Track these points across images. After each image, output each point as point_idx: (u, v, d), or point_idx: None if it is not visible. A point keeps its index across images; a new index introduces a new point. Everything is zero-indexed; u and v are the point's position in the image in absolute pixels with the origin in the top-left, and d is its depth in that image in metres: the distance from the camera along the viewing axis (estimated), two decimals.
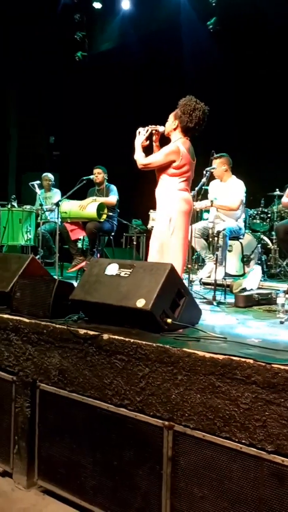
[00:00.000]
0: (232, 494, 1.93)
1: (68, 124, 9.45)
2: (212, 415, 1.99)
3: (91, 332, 2.43)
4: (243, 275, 4.87)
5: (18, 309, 2.93)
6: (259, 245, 5.86)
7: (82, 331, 2.47)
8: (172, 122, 3.61)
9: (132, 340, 2.26)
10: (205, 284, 4.59)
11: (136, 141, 3.64)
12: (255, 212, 6.08)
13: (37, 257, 4.10)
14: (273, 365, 1.85)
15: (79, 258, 5.42)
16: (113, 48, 8.89)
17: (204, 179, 4.14)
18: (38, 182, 6.26)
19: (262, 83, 7.06)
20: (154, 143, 3.73)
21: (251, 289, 3.94)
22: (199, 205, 4.51)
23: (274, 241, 5.99)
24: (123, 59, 8.38)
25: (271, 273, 5.85)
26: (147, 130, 3.65)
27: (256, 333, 2.63)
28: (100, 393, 2.38)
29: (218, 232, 4.21)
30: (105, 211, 5.32)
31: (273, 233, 5.97)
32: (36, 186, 6.15)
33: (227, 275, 4.54)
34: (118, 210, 5.74)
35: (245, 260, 5.55)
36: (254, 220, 6.07)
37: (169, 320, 2.42)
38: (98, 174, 5.66)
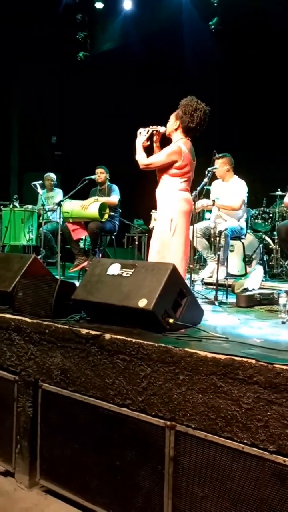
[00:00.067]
0: (233, 494, 1.93)
1: (70, 124, 9.46)
2: (214, 415, 1.99)
3: (93, 332, 2.44)
4: (245, 275, 4.86)
5: (20, 309, 2.93)
6: (261, 245, 5.86)
7: (84, 331, 2.48)
8: (173, 122, 3.61)
9: (134, 340, 2.27)
10: (207, 284, 4.59)
11: (137, 142, 3.64)
12: (257, 212, 6.08)
13: (39, 257, 4.11)
14: (275, 365, 1.85)
15: (81, 258, 5.42)
16: (114, 48, 8.90)
17: (206, 179, 4.14)
18: (40, 182, 6.27)
19: (264, 83, 7.05)
20: (154, 144, 3.73)
21: (253, 289, 3.94)
22: (201, 203, 4.51)
23: (276, 241, 5.99)
24: (124, 59, 8.38)
25: (273, 273, 5.85)
26: (148, 131, 3.65)
27: (258, 333, 2.63)
28: (102, 393, 2.39)
29: (220, 232, 4.21)
30: (107, 211, 5.33)
31: (275, 233, 5.97)
32: (38, 186, 6.17)
33: (228, 275, 4.54)
34: (120, 210, 5.74)
35: (247, 260, 5.55)
36: (256, 220, 6.07)
37: (171, 320, 2.42)
38: (101, 174, 5.67)
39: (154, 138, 3.72)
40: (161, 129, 3.66)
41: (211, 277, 4.57)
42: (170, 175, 3.53)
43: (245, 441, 1.90)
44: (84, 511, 2.46)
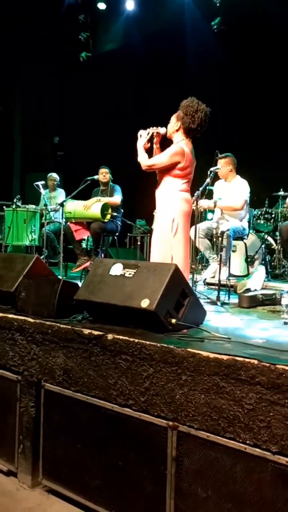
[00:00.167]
0: (236, 495, 1.93)
1: (72, 125, 9.47)
2: (216, 415, 1.99)
3: (96, 332, 2.44)
4: (247, 275, 4.86)
5: (23, 309, 2.94)
6: (263, 246, 5.85)
7: (86, 331, 2.48)
8: (174, 123, 3.62)
9: (136, 340, 2.27)
10: (209, 284, 4.58)
11: (138, 144, 3.66)
12: (259, 212, 6.07)
13: (41, 257, 4.11)
14: (277, 366, 1.84)
15: (84, 258, 5.43)
16: (117, 49, 8.90)
17: (208, 179, 4.14)
18: (42, 182, 6.28)
19: (266, 83, 7.05)
20: (154, 145, 3.74)
21: (255, 290, 3.94)
22: (203, 204, 4.50)
23: (278, 241, 5.98)
24: (127, 60, 8.38)
25: (275, 274, 5.84)
26: (148, 133, 3.66)
27: (260, 334, 2.63)
28: (104, 393, 2.39)
29: (222, 233, 4.21)
30: (109, 211, 5.33)
31: (277, 233, 5.96)
32: (40, 186, 6.17)
33: (231, 275, 4.53)
34: (122, 210, 5.75)
35: (249, 261, 5.54)
36: (258, 221, 6.06)
37: (173, 320, 2.43)
38: (106, 174, 5.68)
39: (155, 140, 3.72)
40: (162, 130, 3.67)
41: (213, 277, 4.56)
42: (172, 176, 3.53)
43: (247, 441, 1.90)
44: (86, 511, 2.46)
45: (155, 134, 3.68)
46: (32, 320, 2.77)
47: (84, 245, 5.67)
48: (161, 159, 3.54)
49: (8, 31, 8.63)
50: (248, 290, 3.88)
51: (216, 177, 4.68)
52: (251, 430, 1.89)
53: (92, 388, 2.44)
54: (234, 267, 5.35)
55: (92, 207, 5.23)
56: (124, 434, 2.30)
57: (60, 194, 6.64)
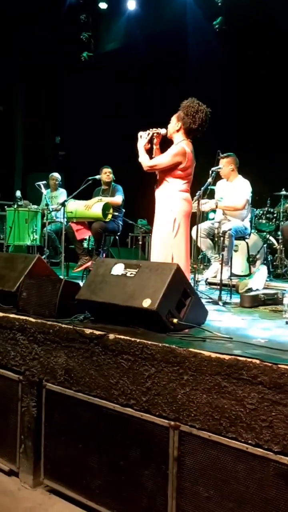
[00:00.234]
0: (238, 495, 1.92)
1: (73, 124, 9.47)
2: (218, 415, 1.99)
3: (97, 332, 2.44)
4: (249, 275, 4.86)
5: (25, 309, 2.94)
6: (265, 245, 5.84)
7: (88, 331, 2.48)
8: (175, 123, 3.64)
9: (138, 340, 2.27)
10: (211, 284, 4.58)
11: (139, 145, 3.67)
12: (261, 212, 6.07)
13: (43, 257, 4.11)
14: (279, 366, 1.84)
15: (85, 258, 5.43)
16: (118, 48, 8.91)
17: (210, 179, 4.14)
18: (44, 182, 6.29)
19: (268, 82, 7.04)
20: (154, 146, 3.75)
21: (257, 289, 3.93)
22: (205, 207, 4.50)
23: (280, 241, 5.97)
24: (128, 59, 8.39)
25: (277, 273, 5.84)
26: (148, 134, 3.67)
27: (262, 334, 2.62)
28: (106, 392, 2.39)
29: (224, 232, 4.20)
30: (111, 211, 5.33)
31: (279, 233, 5.95)
32: (42, 186, 6.18)
33: (233, 275, 4.53)
34: (124, 210, 5.75)
35: (251, 260, 5.54)
36: (260, 220, 6.06)
37: (175, 320, 2.42)
38: (110, 174, 5.68)
39: (155, 141, 3.74)
40: (162, 131, 3.68)
41: (215, 277, 4.56)
42: (173, 176, 3.55)
43: (249, 441, 1.90)
44: (88, 511, 2.46)
45: (155, 135, 3.68)
46: (33, 320, 2.77)
47: (85, 245, 5.66)
48: (163, 159, 3.55)
49: (9, 31, 8.63)
50: (250, 289, 3.88)
51: (218, 177, 4.67)
52: (253, 430, 1.89)
53: (94, 388, 2.44)
54: (236, 267, 5.34)
55: (94, 207, 5.23)
56: (125, 434, 2.30)
57: (62, 194, 6.64)
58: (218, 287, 3.90)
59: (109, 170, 5.71)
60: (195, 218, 4.11)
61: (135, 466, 2.26)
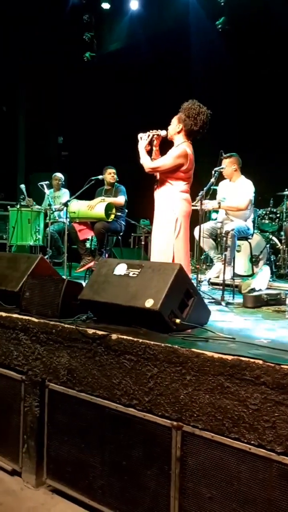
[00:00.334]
0: (241, 495, 1.92)
1: (76, 125, 9.48)
2: (221, 415, 1.98)
3: (100, 332, 2.44)
4: (251, 275, 4.85)
5: (27, 309, 2.94)
6: (268, 245, 5.83)
7: (90, 331, 2.48)
8: (176, 125, 3.66)
9: (140, 340, 2.27)
10: (213, 284, 4.58)
11: (139, 146, 3.70)
12: (264, 212, 6.06)
13: (45, 257, 4.12)
14: (282, 366, 1.84)
15: (88, 258, 5.43)
16: (121, 49, 8.91)
17: (212, 179, 4.14)
18: (47, 182, 6.30)
19: (271, 82, 7.03)
20: (154, 147, 3.77)
21: (260, 290, 3.92)
22: (207, 206, 4.50)
23: (283, 241, 5.96)
24: (131, 60, 8.39)
25: (280, 274, 5.82)
26: (149, 135, 3.68)
27: (265, 334, 2.62)
28: (108, 393, 2.39)
29: (227, 232, 4.20)
30: (113, 211, 5.33)
31: (282, 233, 5.94)
32: (45, 186, 6.19)
33: (235, 275, 4.52)
34: (126, 210, 5.75)
35: (254, 261, 5.53)
36: (263, 220, 6.05)
37: (177, 320, 2.42)
38: (114, 175, 5.68)
39: (154, 142, 3.76)
40: (162, 133, 3.70)
41: (217, 277, 4.55)
42: (175, 178, 3.58)
43: (252, 442, 1.89)
44: (90, 511, 2.46)
45: (155, 136, 3.70)
46: (36, 320, 2.78)
47: (88, 245, 5.67)
48: (165, 161, 3.57)
49: (10, 31, 8.64)
50: (253, 290, 3.87)
51: (220, 177, 4.67)
52: (255, 430, 1.89)
53: (96, 388, 2.44)
54: (238, 267, 5.34)
55: (96, 207, 5.23)
56: (128, 434, 2.30)
57: (65, 194, 6.65)
58: (221, 287, 3.90)
59: (113, 170, 5.71)
60: (198, 218, 4.12)
61: (138, 466, 2.26)
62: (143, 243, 7.01)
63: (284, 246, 5.94)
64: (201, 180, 4.08)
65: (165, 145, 3.76)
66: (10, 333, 2.92)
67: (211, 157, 4.62)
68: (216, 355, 2.01)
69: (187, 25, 7.74)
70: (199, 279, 4.17)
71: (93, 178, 5.33)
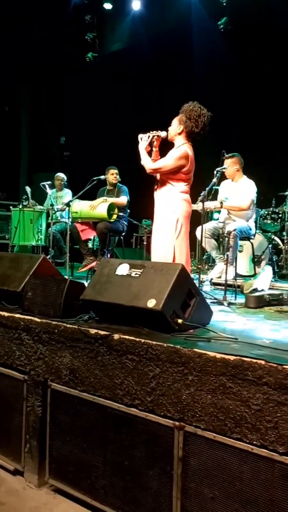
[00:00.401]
0: (243, 496, 1.92)
1: (78, 125, 9.48)
2: (223, 416, 1.98)
3: (102, 332, 2.44)
4: (254, 275, 4.84)
5: (30, 309, 2.95)
6: (270, 246, 5.82)
7: (93, 331, 2.48)
8: (177, 126, 3.69)
9: (143, 340, 2.27)
10: (215, 284, 4.57)
11: (140, 147, 3.72)
12: (266, 212, 6.05)
13: (47, 257, 4.12)
14: (284, 366, 1.84)
15: (90, 258, 5.43)
16: (123, 49, 8.91)
17: (214, 179, 4.14)
18: (49, 182, 6.31)
19: (274, 82, 7.02)
20: (154, 148, 3.79)
21: (262, 290, 3.92)
22: (209, 205, 4.50)
23: (285, 241, 5.96)
24: (133, 60, 8.39)
25: (282, 274, 5.82)
26: (149, 136, 3.70)
27: (267, 334, 2.62)
28: (111, 393, 2.39)
29: (229, 232, 4.20)
30: (116, 211, 5.33)
31: (284, 233, 5.94)
32: (47, 186, 6.20)
33: (237, 275, 4.52)
34: (129, 211, 5.75)
35: (256, 261, 5.52)
36: (265, 220, 6.04)
37: (179, 321, 2.42)
38: (116, 175, 5.69)
39: (154, 143, 3.78)
40: (162, 134, 3.72)
41: (219, 277, 4.55)
42: (176, 179, 3.62)
43: (254, 442, 1.89)
44: (93, 510, 2.47)
45: (155, 137, 3.71)
46: (38, 320, 2.78)
47: (90, 245, 5.67)
48: (166, 162, 3.59)
49: (12, 31, 8.65)
50: (255, 290, 3.87)
51: (222, 177, 4.67)
52: (258, 430, 1.89)
53: (99, 388, 2.44)
54: (240, 267, 5.33)
55: (99, 207, 5.23)
56: (130, 434, 2.30)
57: (67, 194, 6.66)
58: (223, 287, 3.90)
59: (116, 171, 5.71)
60: (199, 218, 4.12)
61: (140, 467, 2.26)
62: (145, 243, 7.02)
63: (286, 246, 5.93)
64: (201, 180, 4.08)
65: (166, 146, 3.77)
66: (12, 333, 2.92)
67: (213, 157, 4.63)
68: (218, 355, 2.01)
69: (189, 25, 7.74)
70: (201, 279, 4.17)
71: (95, 178, 5.34)
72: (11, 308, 3.09)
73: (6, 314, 2.98)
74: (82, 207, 5.31)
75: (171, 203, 3.61)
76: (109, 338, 2.40)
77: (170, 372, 2.16)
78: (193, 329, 2.49)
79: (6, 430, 2.96)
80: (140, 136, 3.74)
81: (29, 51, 9.02)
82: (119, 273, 2.69)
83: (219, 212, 5.19)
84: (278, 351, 2.11)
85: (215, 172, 4.20)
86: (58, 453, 2.66)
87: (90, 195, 5.54)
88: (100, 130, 8.97)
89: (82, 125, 9.32)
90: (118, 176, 5.71)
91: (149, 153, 3.75)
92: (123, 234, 5.75)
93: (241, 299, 3.88)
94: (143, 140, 3.71)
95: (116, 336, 2.37)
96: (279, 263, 6.00)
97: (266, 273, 4.20)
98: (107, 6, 8.27)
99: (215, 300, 3.81)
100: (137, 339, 2.29)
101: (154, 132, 3.72)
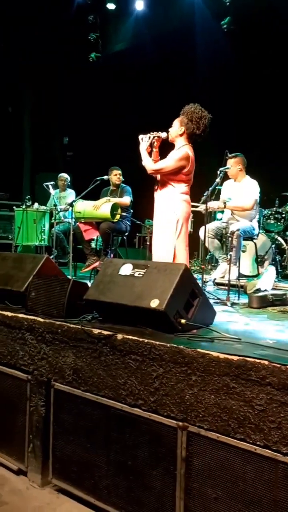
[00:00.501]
0: (246, 496, 1.92)
1: (81, 125, 9.49)
2: (227, 416, 1.98)
3: (105, 332, 2.44)
4: (257, 275, 4.83)
5: (33, 309, 2.95)
6: (273, 246, 5.81)
7: (96, 331, 2.48)
8: (178, 128, 3.71)
9: (146, 341, 2.27)
10: (218, 284, 4.57)
11: (141, 148, 3.75)
12: (269, 212, 6.03)
13: (51, 257, 4.13)
14: None
15: (93, 258, 5.44)
16: (126, 49, 8.90)
17: (218, 179, 4.14)
18: (52, 182, 6.32)
19: (276, 82, 7.01)
20: (154, 149, 3.81)
21: (265, 290, 3.92)
22: (212, 205, 4.50)
23: None
24: (137, 60, 8.39)
25: (286, 274, 5.80)
26: (150, 137, 3.71)
27: (271, 334, 2.61)
28: (114, 393, 2.39)
29: (232, 232, 4.19)
30: (119, 211, 5.33)
31: None
32: (50, 186, 6.21)
33: (241, 275, 4.51)
34: (132, 211, 5.75)
35: (259, 261, 5.51)
36: (268, 220, 6.02)
37: (183, 321, 2.42)
38: (120, 176, 5.69)
39: (155, 144, 3.80)
40: (162, 135, 3.74)
41: (223, 277, 4.55)
42: (177, 179, 3.65)
43: (257, 442, 1.89)
44: (96, 510, 2.47)
45: (155, 138, 3.72)
46: (42, 320, 2.79)
47: (93, 245, 5.68)
48: (167, 163, 3.62)
49: (16, 31, 8.66)
50: (258, 290, 3.87)
51: (225, 177, 4.66)
52: (261, 431, 1.88)
53: (102, 387, 2.44)
54: (244, 267, 5.32)
55: (102, 207, 5.23)
56: (133, 434, 2.30)
57: (70, 194, 6.67)
58: (226, 287, 3.90)
59: (119, 172, 5.71)
60: (203, 218, 4.11)
61: (143, 467, 2.26)
62: (148, 243, 7.00)
63: None
64: (203, 180, 4.08)
65: (166, 146, 3.78)
66: (16, 333, 2.93)
67: (214, 157, 4.62)
68: (221, 356, 2.01)
69: (193, 25, 7.73)
70: (204, 280, 4.17)
71: (98, 178, 5.34)
72: (15, 308, 3.09)
73: (9, 314, 2.99)
74: (85, 207, 5.32)
75: (171, 204, 3.65)
76: (112, 338, 2.40)
77: (173, 372, 2.16)
78: (196, 329, 2.49)
79: (9, 430, 2.97)
80: (140, 136, 3.76)
81: (31, 51, 9.03)
82: (122, 273, 2.70)
83: (222, 212, 5.18)
84: (281, 351, 2.11)
85: (218, 172, 4.19)
86: (62, 453, 2.66)
87: (93, 195, 5.54)
88: (103, 130, 8.98)
89: (85, 125, 9.33)
90: (121, 177, 5.71)
91: (149, 154, 3.77)
92: (126, 234, 5.75)
93: (244, 299, 3.87)
94: (144, 141, 3.74)
95: (119, 336, 2.37)
96: (282, 263, 5.98)
97: (269, 273, 4.20)
98: (110, 6, 8.27)
99: (218, 300, 3.81)
100: (140, 339, 2.29)
101: (155, 133, 3.74)
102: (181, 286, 2.45)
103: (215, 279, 4.63)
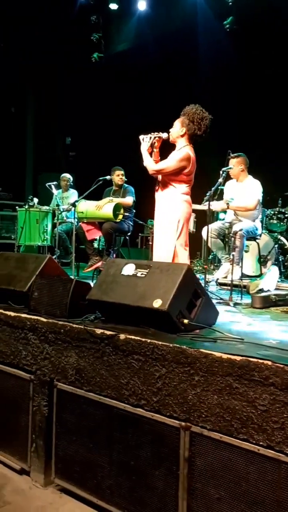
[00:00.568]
0: (249, 496, 1.92)
1: (84, 125, 9.50)
2: (230, 416, 1.98)
3: (108, 332, 2.44)
4: (260, 275, 4.83)
5: (36, 309, 2.96)
6: (276, 246, 5.80)
7: (99, 331, 2.48)
8: (179, 129, 3.73)
9: (149, 341, 2.27)
10: (221, 284, 4.57)
11: (142, 149, 3.76)
12: (272, 212, 6.03)
13: (53, 257, 4.14)
14: None
15: (95, 258, 5.44)
16: (129, 49, 8.90)
17: (220, 179, 4.13)
18: (55, 183, 6.33)
19: (279, 82, 6.99)
20: (155, 149, 3.82)
21: (268, 290, 3.91)
22: (215, 206, 4.49)
23: None
24: (139, 60, 8.39)
25: None
26: (150, 138, 3.72)
27: (274, 335, 2.61)
28: (117, 393, 2.39)
29: (235, 233, 4.19)
30: (121, 211, 5.34)
31: None
32: (53, 187, 6.22)
33: (243, 275, 4.50)
34: (134, 211, 5.75)
35: (262, 261, 5.51)
36: (271, 220, 6.02)
37: (185, 321, 2.42)
38: (122, 176, 5.69)
39: (155, 144, 3.81)
40: (163, 135, 3.75)
41: (225, 277, 4.54)
42: (178, 180, 3.67)
43: (260, 443, 1.89)
44: (98, 510, 2.47)
45: (156, 139, 3.73)
46: (44, 320, 2.79)
47: (96, 245, 5.68)
48: (169, 164, 3.63)
49: (18, 31, 8.67)
50: (261, 290, 3.86)
51: (228, 177, 4.66)
52: (264, 431, 1.88)
53: (105, 387, 2.45)
54: (246, 268, 5.31)
55: (104, 207, 5.24)
56: (136, 434, 2.30)
57: (73, 194, 6.68)
58: (229, 287, 3.89)
59: (122, 172, 5.71)
60: (205, 218, 4.11)
61: (146, 467, 2.26)
62: (150, 243, 7.00)
63: None
64: (204, 180, 4.08)
65: (167, 147, 3.79)
66: (19, 332, 2.93)
67: (215, 157, 4.62)
68: (224, 356, 2.01)
69: (195, 25, 7.72)
70: (207, 280, 4.16)
71: (100, 178, 5.34)
72: (18, 308, 3.10)
73: (12, 314, 3.00)
74: (88, 207, 5.32)
75: (172, 204, 3.66)
76: (115, 338, 2.40)
77: (176, 372, 2.16)
78: (199, 329, 2.49)
79: (12, 430, 2.97)
80: (141, 137, 3.78)
81: (33, 51, 9.04)
82: (125, 273, 2.70)
83: (225, 212, 5.18)
84: (284, 351, 2.10)
85: (220, 172, 4.19)
86: (64, 452, 2.66)
87: (96, 195, 5.54)
88: (105, 131, 8.98)
89: (88, 125, 9.33)
90: (124, 177, 5.71)
91: (150, 154, 3.78)
92: (129, 234, 5.75)
93: (247, 300, 3.87)
94: (145, 141, 3.76)
95: (122, 336, 2.37)
96: (285, 263, 5.97)
97: (272, 273, 4.19)
98: (113, 6, 8.27)
99: (221, 301, 3.81)
100: (143, 339, 2.29)
101: (155, 133, 3.75)
102: (184, 286, 2.45)
103: (217, 279, 4.63)
